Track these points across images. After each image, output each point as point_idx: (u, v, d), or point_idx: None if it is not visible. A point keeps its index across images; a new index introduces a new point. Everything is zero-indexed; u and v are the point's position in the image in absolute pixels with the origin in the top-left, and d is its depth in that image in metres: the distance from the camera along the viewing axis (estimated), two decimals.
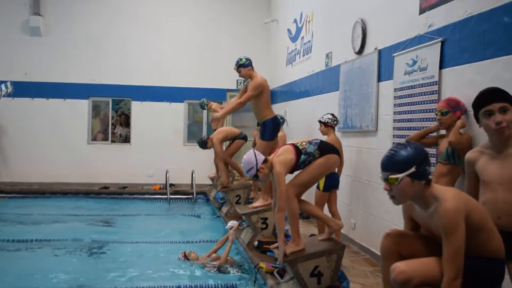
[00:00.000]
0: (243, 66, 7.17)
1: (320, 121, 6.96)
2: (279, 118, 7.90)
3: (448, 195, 2.90)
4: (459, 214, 2.82)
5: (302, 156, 4.92)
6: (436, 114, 4.49)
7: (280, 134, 8.15)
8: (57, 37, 13.13)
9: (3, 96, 11.81)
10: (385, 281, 3.32)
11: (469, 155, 3.31)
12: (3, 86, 11.64)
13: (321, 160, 4.96)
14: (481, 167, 3.20)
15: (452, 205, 2.84)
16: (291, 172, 5.02)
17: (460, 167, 4.27)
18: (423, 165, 2.98)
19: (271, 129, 7.08)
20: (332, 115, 6.99)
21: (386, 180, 3.00)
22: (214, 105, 10.91)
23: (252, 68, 7.22)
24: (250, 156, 4.91)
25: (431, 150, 4.78)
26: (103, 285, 5.65)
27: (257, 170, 4.83)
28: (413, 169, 2.93)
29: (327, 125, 6.91)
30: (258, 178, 4.97)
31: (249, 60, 7.21)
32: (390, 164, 2.99)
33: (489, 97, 3.19)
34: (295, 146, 4.99)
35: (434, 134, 4.76)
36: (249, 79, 7.23)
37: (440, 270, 2.88)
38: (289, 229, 4.89)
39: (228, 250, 6.31)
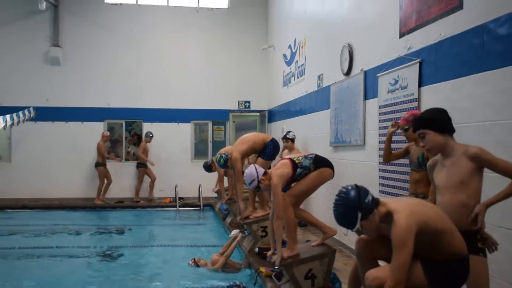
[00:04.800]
0: (225, 161, 7.24)
1: (288, 138, 7.78)
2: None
3: (401, 215, 2.87)
4: (409, 234, 2.82)
5: (298, 170, 5.00)
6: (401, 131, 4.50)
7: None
8: (75, 66, 13.24)
9: (27, 120, 11.98)
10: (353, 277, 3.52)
11: (429, 163, 3.42)
12: (26, 111, 11.88)
13: (315, 173, 5.04)
14: (435, 174, 3.30)
15: (403, 224, 2.83)
16: (289, 183, 5.08)
17: None
18: (364, 202, 2.95)
19: (270, 150, 7.20)
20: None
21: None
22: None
23: (225, 159, 7.24)
24: (251, 170, 5.04)
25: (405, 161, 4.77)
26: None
27: (259, 182, 4.94)
28: (359, 215, 2.94)
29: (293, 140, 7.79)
30: (260, 189, 5.07)
31: (220, 155, 7.36)
32: (344, 224, 3.03)
33: (413, 125, 3.41)
34: (292, 160, 5.07)
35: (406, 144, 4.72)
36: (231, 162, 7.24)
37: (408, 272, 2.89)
38: (286, 235, 4.92)
39: (232, 248, 6.35)
